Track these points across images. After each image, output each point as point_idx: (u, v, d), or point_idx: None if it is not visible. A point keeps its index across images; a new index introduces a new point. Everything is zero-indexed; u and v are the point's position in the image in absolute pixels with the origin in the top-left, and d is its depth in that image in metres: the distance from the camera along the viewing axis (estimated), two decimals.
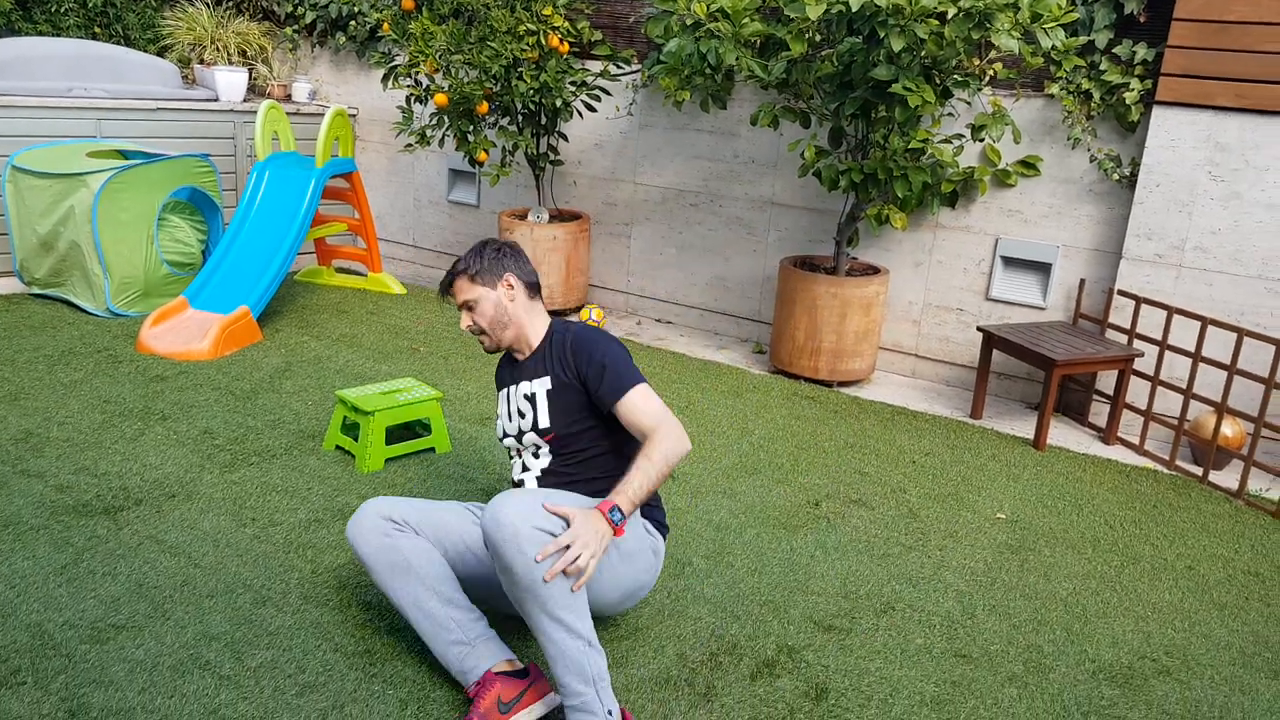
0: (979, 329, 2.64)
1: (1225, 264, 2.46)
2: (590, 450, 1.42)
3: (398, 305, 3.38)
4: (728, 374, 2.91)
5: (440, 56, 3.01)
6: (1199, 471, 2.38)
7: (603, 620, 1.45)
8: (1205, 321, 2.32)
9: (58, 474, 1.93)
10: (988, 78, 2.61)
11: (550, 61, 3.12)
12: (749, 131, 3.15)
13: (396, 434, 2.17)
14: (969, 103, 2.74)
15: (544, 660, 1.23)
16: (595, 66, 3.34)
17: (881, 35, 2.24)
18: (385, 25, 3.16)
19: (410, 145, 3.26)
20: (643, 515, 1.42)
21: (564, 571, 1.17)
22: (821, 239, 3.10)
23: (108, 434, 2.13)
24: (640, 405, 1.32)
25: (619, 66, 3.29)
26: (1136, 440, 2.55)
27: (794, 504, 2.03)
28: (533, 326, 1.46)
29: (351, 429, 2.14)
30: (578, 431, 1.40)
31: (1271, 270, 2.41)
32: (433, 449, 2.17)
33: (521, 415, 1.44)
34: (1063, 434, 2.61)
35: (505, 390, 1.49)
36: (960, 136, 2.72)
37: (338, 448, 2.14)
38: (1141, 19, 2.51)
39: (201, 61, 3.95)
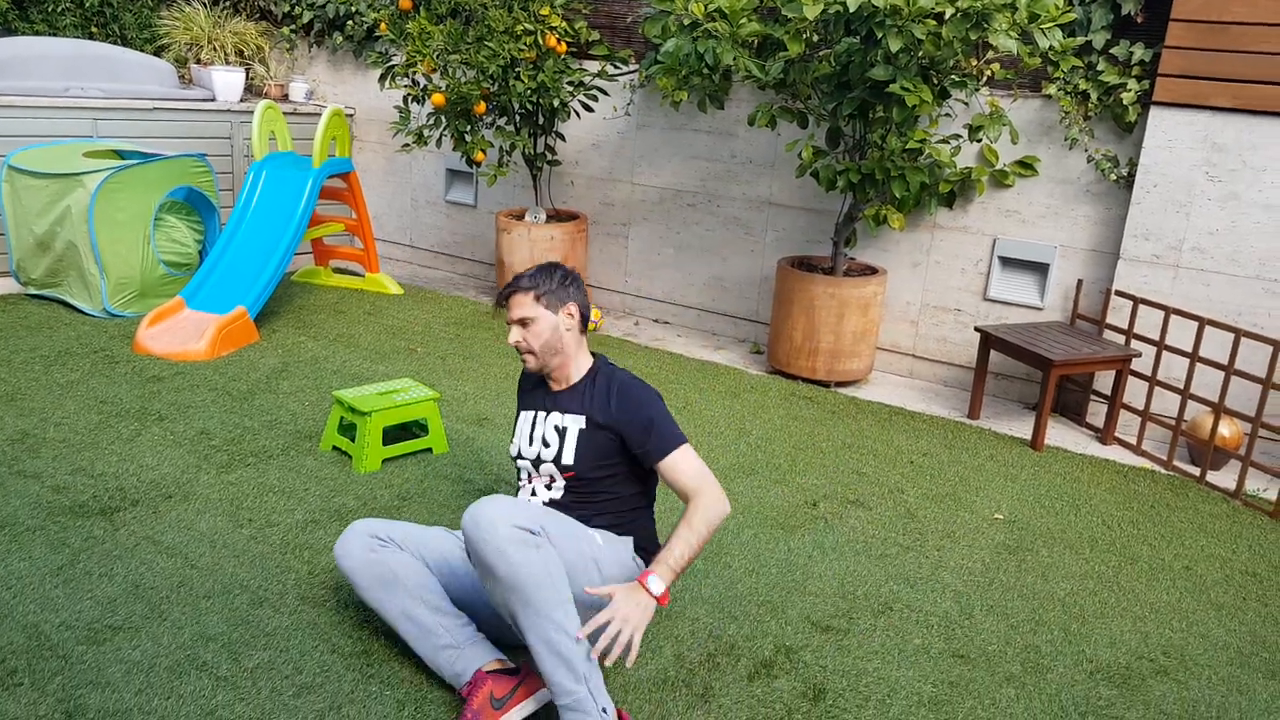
0: (976, 329, 2.64)
1: (1223, 264, 2.46)
2: (603, 495, 1.42)
3: (395, 306, 3.38)
4: (725, 374, 2.91)
5: (438, 56, 3.00)
6: (1196, 471, 2.38)
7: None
8: (1203, 322, 2.32)
9: (54, 475, 1.92)
10: (985, 78, 2.61)
11: (548, 61, 3.12)
12: (746, 132, 3.15)
13: (393, 434, 2.16)
14: (966, 103, 2.74)
15: (535, 664, 1.22)
16: (593, 66, 3.34)
17: (879, 35, 2.24)
18: (382, 25, 3.16)
19: (407, 145, 3.25)
20: (637, 550, 1.42)
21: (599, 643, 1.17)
22: (819, 239, 3.10)
23: (104, 435, 2.12)
24: (683, 466, 1.35)
25: (616, 66, 3.29)
26: (1134, 440, 2.56)
27: (791, 504, 2.03)
28: (578, 361, 1.45)
29: (348, 429, 2.14)
30: (599, 476, 1.41)
31: (1269, 271, 2.41)
32: (430, 449, 2.17)
33: (545, 445, 1.43)
34: (1060, 434, 2.61)
35: (533, 414, 1.47)
36: (958, 137, 2.72)
37: (335, 448, 2.14)
38: (1139, 19, 2.51)
39: (198, 61, 3.95)
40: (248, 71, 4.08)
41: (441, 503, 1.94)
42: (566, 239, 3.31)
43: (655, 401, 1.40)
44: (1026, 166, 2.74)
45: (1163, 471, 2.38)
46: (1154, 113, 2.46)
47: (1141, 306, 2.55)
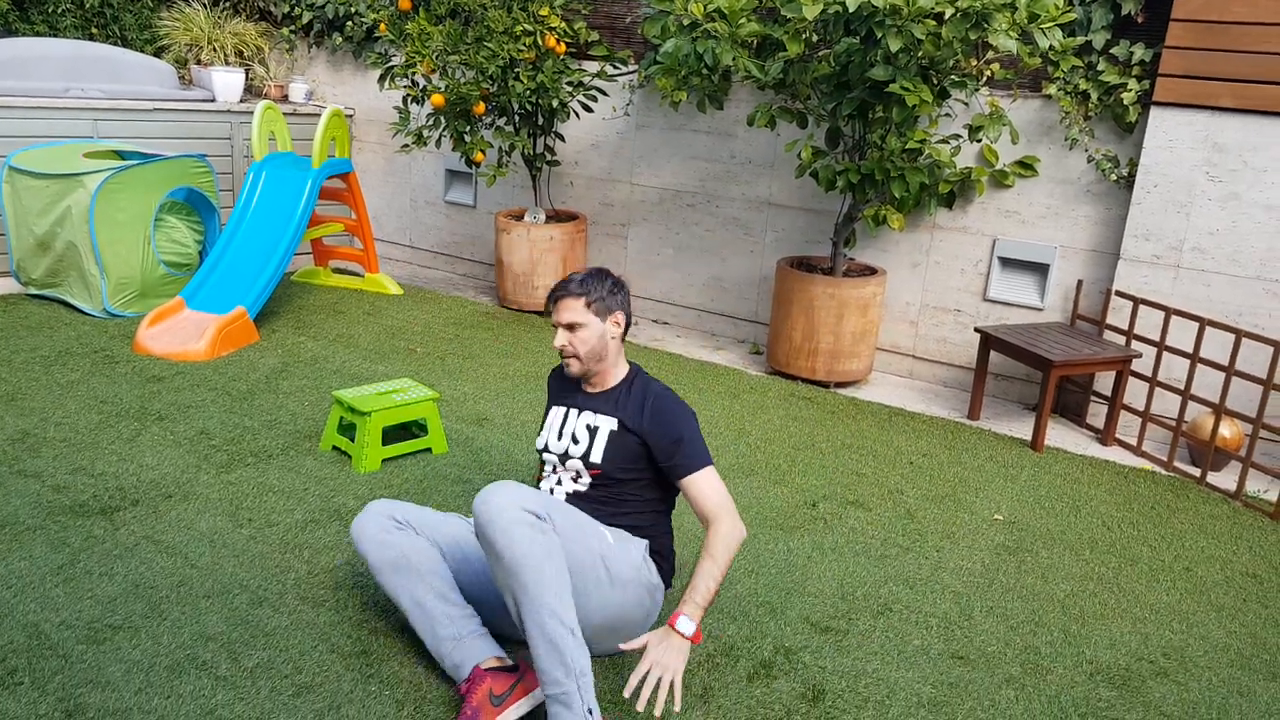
0: (976, 330, 2.64)
1: (1223, 265, 2.46)
2: (627, 496, 1.44)
3: (394, 306, 3.38)
4: (724, 375, 2.91)
5: (437, 57, 3.01)
6: (1197, 473, 2.38)
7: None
8: (1203, 322, 2.32)
9: (54, 474, 1.93)
10: (985, 78, 2.61)
11: (547, 62, 3.12)
12: (746, 132, 3.15)
13: (393, 434, 2.16)
14: (966, 103, 2.74)
15: (530, 653, 1.22)
16: (592, 67, 3.34)
17: (879, 35, 2.24)
18: (382, 26, 3.16)
19: (407, 146, 3.25)
20: (651, 554, 1.43)
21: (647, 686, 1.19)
22: (819, 240, 3.09)
23: (104, 434, 2.12)
24: (706, 488, 1.37)
25: (616, 67, 3.29)
26: (1134, 441, 2.55)
27: (791, 505, 2.03)
28: (616, 367, 1.48)
29: (348, 429, 2.14)
30: (624, 478, 1.43)
31: (1270, 271, 2.41)
32: (429, 449, 2.17)
33: (575, 441, 1.45)
34: (1060, 435, 2.61)
35: (564, 410, 1.49)
36: (958, 137, 2.72)
37: (334, 448, 2.14)
38: (1139, 19, 2.51)
39: (198, 62, 3.95)
40: (247, 72, 4.08)
41: (441, 503, 1.94)
42: (566, 239, 3.31)
43: (689, 420, 1.42)
44: (1026, 167, 2.73)
45: (1163, 472, 2.38)
46: (1154, 113, 2.46)
47: (1142, 307, 2.55)
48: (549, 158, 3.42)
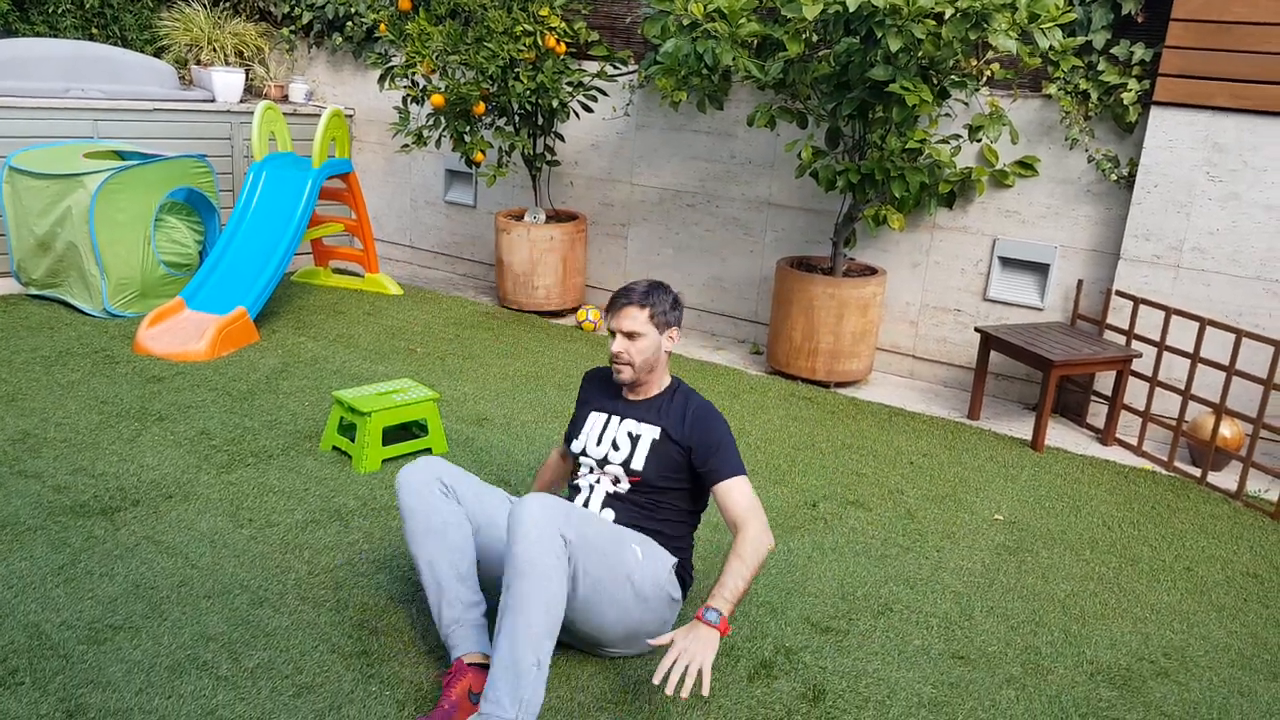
0: (977, 330, 2.64)
1: (1224, 265, 2.46)
2: (663, 502, 1.46)
3: (394, 306, 3.38)
4: (724, 375, 2.90)
5: (437, 57, 3.01)
6: (1197, 472, 2.38)
7: (599, 653, 1.44)
8: (1204, 322, 2.32)
9: (55, 474, 1.93)
10: (985, 78, 2.61)
11: (547, 62, 3.12)
12: (746, 132, 3.15)
13: (393, 435, 2.16)
14: (966, 103, 2.74)
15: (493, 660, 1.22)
16: (592, 67, 3.34)
17: (879, 35, 2.24)
18: (382, 26, 3.16)
19: (407, 146, 3.25)
20: (679, 570, 1.45)
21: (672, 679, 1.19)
22: (819, 240, 3.09)
23: (105, 435, 2.12)
24: (737, 495, 1.40)
25: (616, 67, 3.29)
26: (1135, 441, 2.55)
27: (791, 505, 2.03)
28: (661, 378, 1.52)
29: (348, 430, 2.14)
30: (662, 486, 1.45)
31: (1270, 271, 2.41)
32: (429, 450, 2.17)
33: (615, 447, 1.48)
34: (1061, 435, 2.61)
35: (605, 416, 1.51)
36: (958, 137, 2.72)
37: (334, 448, 2.14)
38: (1139, 19, 2.51)
39: (198, 62, 3.95)
40: (247, 72, 4.08)
41: None
42: (566, 239, 3.31)
43: (726, 429, 1.46)
44: (1026, 167, 2.73)
45: (1163, 472, 2.38)
46: (1154, 113, 2.46)
47: (1142, 307, 2.54)
48: (549, 158, 3.42)
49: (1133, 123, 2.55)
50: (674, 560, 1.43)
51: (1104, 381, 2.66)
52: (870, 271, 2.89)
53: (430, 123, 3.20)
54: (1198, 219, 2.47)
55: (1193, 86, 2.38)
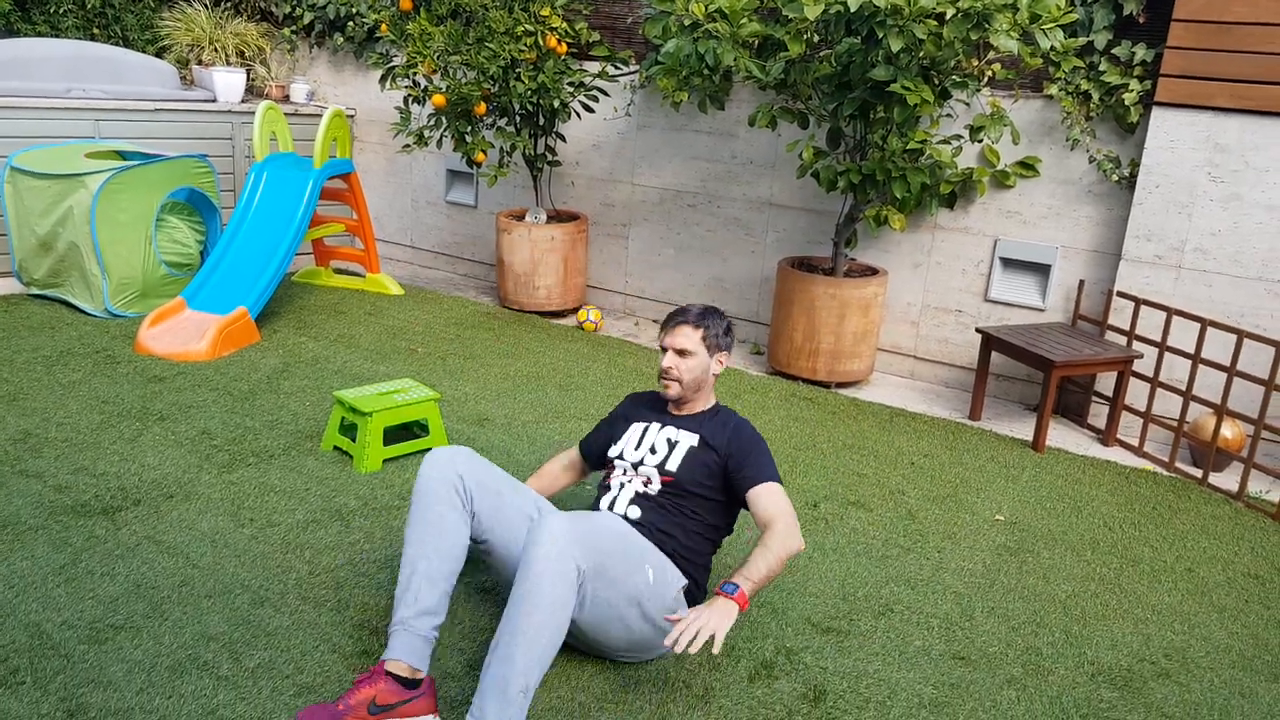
0: (978, 330, 2.64)
1: (1225, 265, 2.46)
2: (691, 510, 1.48)
3: (395, 306, 3.38)
4: (725, 375, 2.90)
5: (438, 57, 3.01)
6: (1199, 473, 2.38)
7: (599, 655, 1.44)
8: (1205, 323, 2.32)
9: (56, 474, 1.93)
10: (986, 78, 2.60)
11: (548, 62, 3.12)
12: (747, 132, 3.15)
13: (394, 434, 2.17)
14: (967, 103, 2.74)
15: (483, 676, 1.20)
16: (593, 67, 3.34)
17: (880, 36, 2.24)
18: (383, 26, 3.16)
19: (408, 146, 3.26)
20: (684, 593, 1.44)
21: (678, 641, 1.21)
22: (820, 240, 3.09)
23: (106, 434, 2.13)
24: (773, 497, 1.44)
25: (617, 67, 3.29)
26: (1136, 442, 2.55)
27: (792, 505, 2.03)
28: (705, 399, 1.60)
29: (349, 429, 2.14)
30: (693, 492, 1.48)
31: (1271, 272, 2.41)
32: (430, 449, 2.16)
33: (653, 451, 1.53)
34: (1062, 436, 2.60)
35: (644, 425, 1.58)
36: (959, 137, 2.72)
37: (335, 448, 2.14)
38: (1141, 20, 2.51)
39: (200, 62, 3.96)
40: (249, 72, 4.08)
41: None
42: (567, 239, 3.31)
43: (764, 443, 1.52)
44: (1028, 167, 2.73)
45: (1164, 473, 2.37)
46: (1156, 113, 2.46)
47: (1143, 307, 2.54)
48: (550, 158, 3.42)
49: (1134, 123, 2.55)
50: (684, 581, 1.43)
51: (1105, 382, 2.66)
52: (871, 272, 2.89)
53: (431, 123, 3.20)
54: (1199, 220, 2.47)
55: (1194, 87, 2.38)
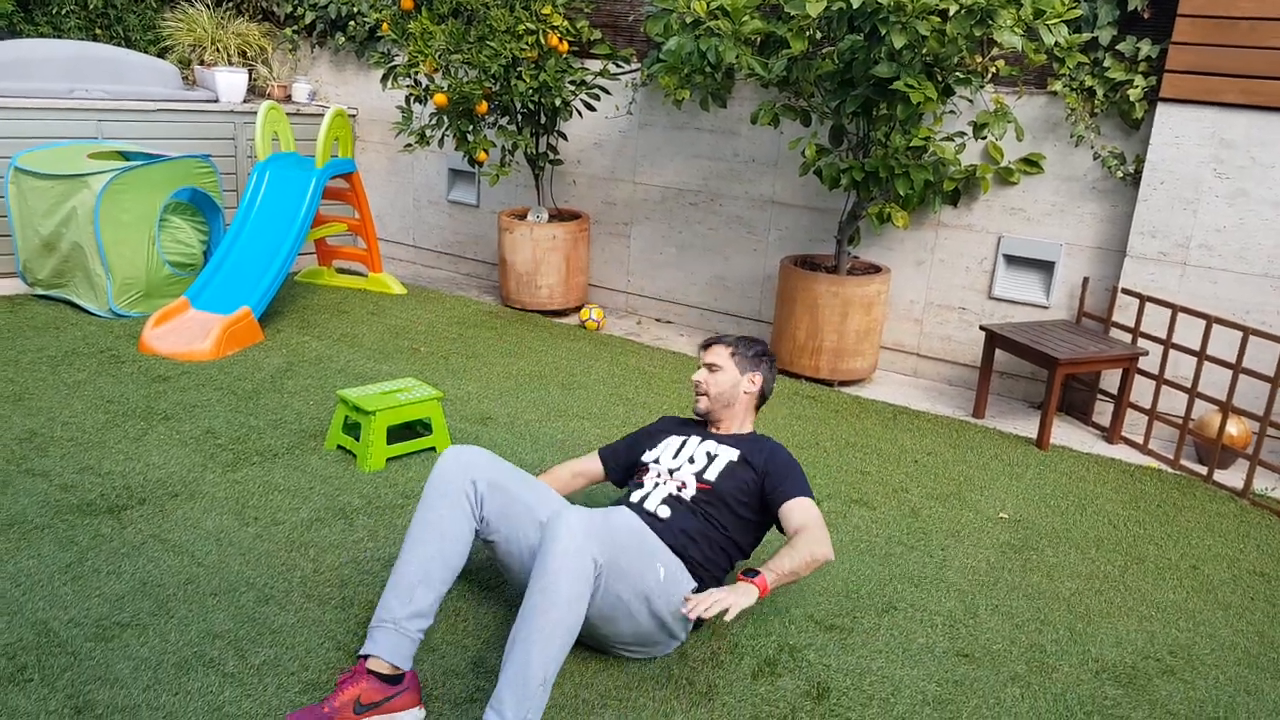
0: (981, 328, 2.63)
1: (1231, 262, 2.45)
2: (720, 522, 1.50)
3: (398, 305, 3.38)
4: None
5: (439, 56, 3.01)
6: (1204, 471, 2.37)
7: (603, 650, 1.44)
8: (1210, 320, 2.31)
9: (62, 473, 1.94)
10: (990, 75, 2.59)
11: (549, 61, 3.12)
12: (749, 130, 3.14)
13: (397, 433, 2.17)
14: (971, 100, 2.73)
15: (502, 665, 1.21)
16: (594, 65, 3.34)
17: (883, 32, 2.24)
18: (384, 25, 3.17)
19: (410, 145, 3.26)
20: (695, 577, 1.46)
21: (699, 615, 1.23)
22: (822, 238, 3.09)
23: (111, 434, 2.14)
24: (805, 509, 1.47)
25: (618, 65, 3.29)
26: (1140, 439, 2.54)
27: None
28: (742, 422, 1.65)
29: (353, 429, 2.15)
30: (728, 502, 1.51)
31: (1277, 268, 2.40)
32: (434, 448, 2.17)
33: (691, 461, 1.57)
34: (1066, 433, 2.60)
35: (683, 438, 1.63)
36: (962, 134, 2.70)
37: (339, 447, 2.14)
38: (1145, 15, 2.49)
39: (201, 62, 3.96)
40: (251, 72, 4.09)
41: None
42: (569, 238, 3.31)
43: (800, 467, 1.56)
44: (1032, 164, 2.72)
45: (1169, 471, 2.37)
46: (1161, 109, 2.45)
47: (1148, 304, 2.53)
48: (552, 157, 3.42)
49: (1139, 119, 2.54)
50: (694, 584, 1.44)
51: (1110, 380, 2.65)
52: (874, 270, 2.89)
53: (433, 122, 3.20)
54: (1205, 216, 2.46)
55: (1200, 83, 2.37)
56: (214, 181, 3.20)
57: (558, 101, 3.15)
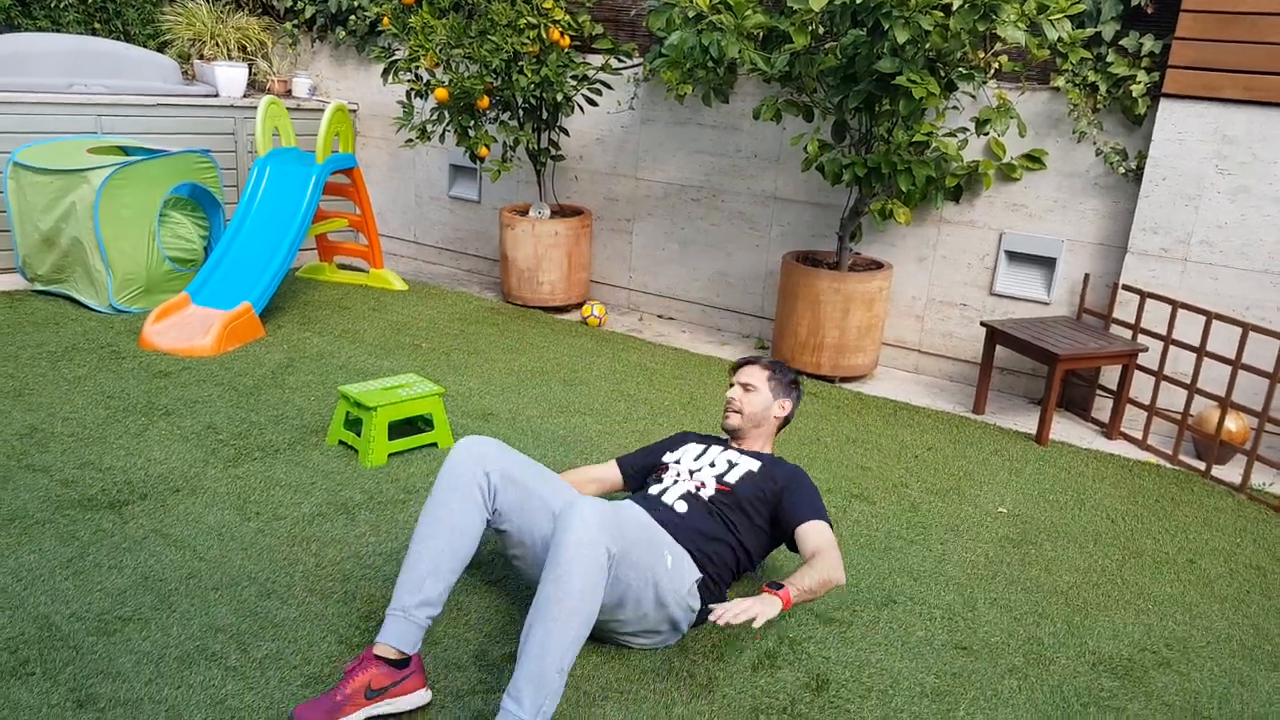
0: (982, 324, 2.63)
1: (1231, 258, 2.45)
2: (734, 524, 1.53)
3: (399, 301, 3.38)
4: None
5: (440, 51, 3.00)
6: (1202, 466, 2.37)
7: (606, 638, 1.45)
8: (1210, 316, 2.31)
9: (63, 469, 1.94)
10: (992, 70, 2.59)
11: (551, 55, 3.11)
12: (751, 126, 3.14)
13: (399, 429, 2.17)
14: (973, 96, 2.72)
15: (519, 657, 1.22)
16: (596, 60, 3.33)
17: (886, 27, 2.23)
18: (385, 20, 3.15)
19: (411, 140, 3.25)
20: (700, 585, 1.47)
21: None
22: (824, 234, 3.09)
23: (112, 429, 2.14)
24: (822, 532, 1.50)
25: (620, 60, 3.28)
26: (1139, 435, 2.55)
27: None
28: (764, 443, 1.71)
29: (354, 424, 2.15)
30: (745, 508, 1.55)
31: (1278, 264, 2.40)
32: (435, 444, 2.17)
33: (712, 465, 1.62)
34: (1065, 429, 2.60)
35: (704, 445, 1.69)
36: (965, 130, 2.70)
37: (341, 443, 2.15)
38: (1149, 10, 2.48)
39: (201, 57, 3.95)
40: (251, 67, 4.08)
41: None
42: (570, 234, 3.31)
43: (818, 490, 1.60)
44: (1034, 160, 2.72)
45: (1168, 466, 2.37)
46: (1164, 105, 2.44)
47: (1149, 301, 2.53)
48: (553, 152, 3.41)
49: (1141, 115, 2.53)
50: (699, 575, 1.46)
51: (1110, 376, 2.65)
52: (876, 266, 2.89)
53: (434, 117, 3.19)
54: (1206, 212, 2.46)
55: (1203, 78, 2.36)
56: (214, 177, 3.19)
57: (559, 96, 3.14)
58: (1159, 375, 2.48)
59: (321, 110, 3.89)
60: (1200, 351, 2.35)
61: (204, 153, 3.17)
